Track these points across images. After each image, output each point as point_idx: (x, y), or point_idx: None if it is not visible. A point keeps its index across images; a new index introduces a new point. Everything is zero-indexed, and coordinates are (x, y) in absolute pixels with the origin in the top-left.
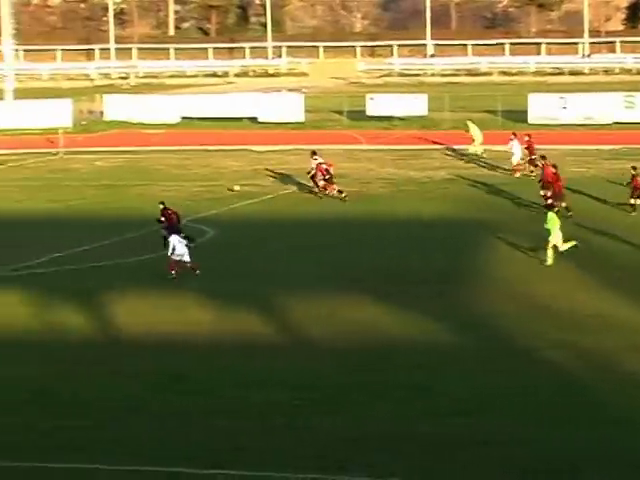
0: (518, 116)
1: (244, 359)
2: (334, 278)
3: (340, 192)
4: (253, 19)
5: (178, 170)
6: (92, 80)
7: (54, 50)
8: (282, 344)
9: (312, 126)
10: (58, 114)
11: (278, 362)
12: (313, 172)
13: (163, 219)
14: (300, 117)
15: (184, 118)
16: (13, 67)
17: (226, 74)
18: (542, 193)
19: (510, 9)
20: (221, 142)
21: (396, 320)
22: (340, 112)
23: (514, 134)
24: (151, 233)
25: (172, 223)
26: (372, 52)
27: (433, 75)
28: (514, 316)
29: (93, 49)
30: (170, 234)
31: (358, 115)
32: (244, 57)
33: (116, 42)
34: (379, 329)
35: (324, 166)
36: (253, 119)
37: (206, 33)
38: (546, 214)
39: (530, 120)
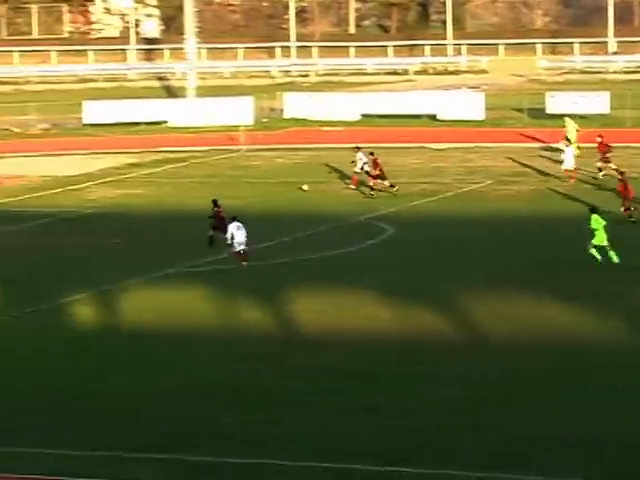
0: None
1: (422, 357)
2: (511, 276)
3: (392, 186)
4: (434, 16)
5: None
6: (273, 78)
7: (236, 48)
8: (460, 342)
9: (492, 124)
10: (239, 111)
11: (456, 360)
12: (366, 167)
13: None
14: (480, 115)
15: (364, 116)
16: (196, 65)
17: (406, 72)
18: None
19: None
20: (400, 140)
21: (580, 319)
22: (520, 110)
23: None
24: (330, 230)
25: (221, 222)
26: (553, 49)
27: (615, 73)
28: None
29: (274, 47)
30: (216, 231)
31: (538, 113)
32: (424, 55)
33: (297, 40)
34: (560, 327)
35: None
36: (432, 117)
37: (386, 31)
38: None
39: None
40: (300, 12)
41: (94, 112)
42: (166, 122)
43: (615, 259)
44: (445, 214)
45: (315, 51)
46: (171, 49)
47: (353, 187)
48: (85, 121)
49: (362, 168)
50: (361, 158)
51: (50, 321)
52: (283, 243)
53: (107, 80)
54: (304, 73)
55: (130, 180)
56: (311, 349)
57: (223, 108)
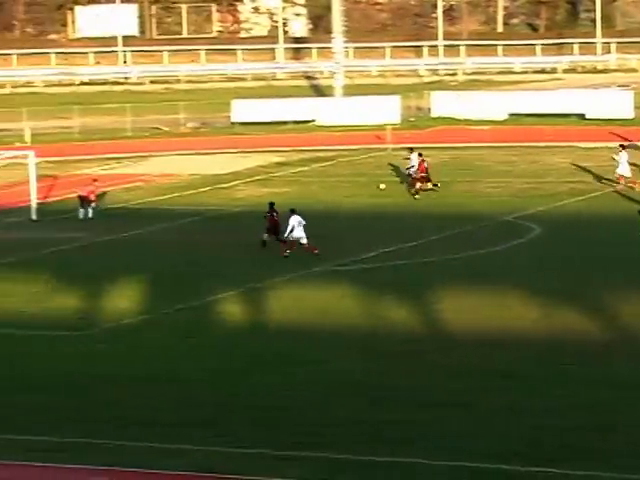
0: None
1: (569, 356)
2: None
3: (436, 185)
4: (583, 15)
5: (504, 167)
6: (421, 77)
7: (383, 47)
8: (608, 342)
9: None
10: (387, 110)
11: (605, 360)
12: (412, 170)
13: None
14: (629, 113)
15: (511, 115)
16: (343, 64)
17: (554, 70)
18: None
19: None
20: (548, 139)
21: None
22: None
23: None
24: (477, 229)
25: (273, 224)
26: None
27: None
28: None
29: (422, 46)
30: (270, 235)
31: None
32: (572, 53)
33: (444, 39)
34: None
35: (425, 164)
36: (581, 115)
37: (535, 29)
38: None
39: None
40: (448, 10)
41: (242, 111)
42: (313, 121)
43: None
44: (594, 214)
45: (463, 50)
46: (319, 48)
47: (414, 191)
48: (233, 120)
49: (408, 169)
50: (412, 159)
51: (199, 318)
52: (430, 242)
53: (255, 79)
54: (452, 72)
55: (277, 179)
56: (456, 348)
57: (370, 107)
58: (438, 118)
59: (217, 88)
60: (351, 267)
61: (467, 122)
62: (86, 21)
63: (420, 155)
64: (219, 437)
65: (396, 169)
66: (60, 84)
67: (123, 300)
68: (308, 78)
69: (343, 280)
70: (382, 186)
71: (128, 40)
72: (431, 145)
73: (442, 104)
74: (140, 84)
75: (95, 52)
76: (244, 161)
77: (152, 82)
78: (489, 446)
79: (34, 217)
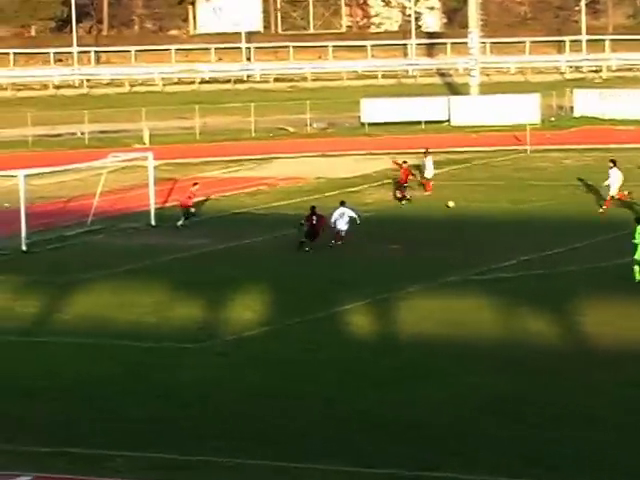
0: None
1: None
2: None
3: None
4: None
5: None
6: (562, 74)
7: (522, 42)
8: None
9: None
10: (525, 109)
11: None
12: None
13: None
14: None
15: None
16: (480, 60)
17: None
18: None
19: None
20: None
21: None
22: None
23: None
24: (622, 237)
25: (313, 228)
26: None
27: None
28: None
29: (564, 41)
30: (308, 238)
31: None
32: None
33: (588, 33)
34: None
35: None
36: None
37: None
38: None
39: None
40: (592, 3)
41: (372, 110)
42: (447, 121)
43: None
44: None
45: (607, 45)
46: (453, 43)
47: (427, 193)
48: (363, 120)
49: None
50: (426, 163)
51: (324, 330)
52: (573, 250)
53: (386, 77)
54: (596, 68)
55: (409, 183)
56: (598, 362)
57: (508, 106)
58: (581, 118)
59: (345, 86)
60: (488, 276)
61: (612, 122)
62: (208, 16)
63: (405, 162)
64: (345, 456)
65: (536, 172)
66: (180, 82)
67: (245, 310)
68: (442, 75)
69: (480, 290)
70: (451, 204)
71: (252, 36)
72: (573, 146)
73: (585, 103)
74: (264, 82)
75: (217, 48)
76: (373, 164)
77: (277, 80)
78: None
79: (153, 222)
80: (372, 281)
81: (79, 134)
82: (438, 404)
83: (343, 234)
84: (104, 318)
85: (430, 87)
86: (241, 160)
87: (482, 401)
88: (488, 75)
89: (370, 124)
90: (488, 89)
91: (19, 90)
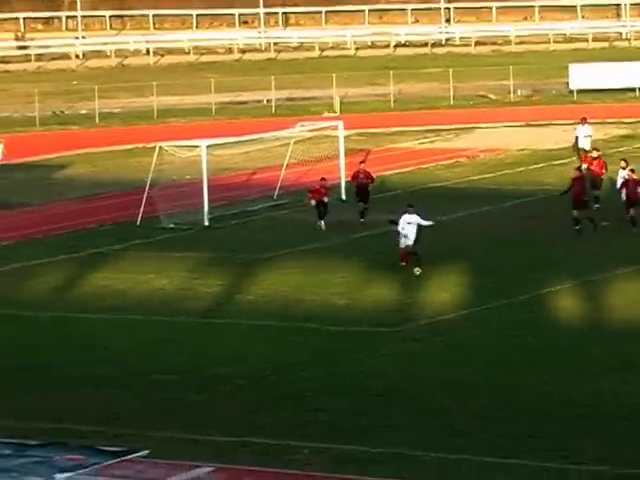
0: None
1: None
2: None
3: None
4: None
5: None
6: None
7: None
8: None
9: None
10: None
11: None
12: None
13: None
14: None
15: None
16: None
17: None
18: None
19: None
20: None
21: None
22: None
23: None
24: None
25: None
26: None
27: None
28: None
29: None
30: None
31: None
32: None
33: None
34: None
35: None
36: None
37: None
38: None
39: None
40: None
41: (581, 76)
42: None
43: None
44: None
45: None
46: None
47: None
48: (571, 87)
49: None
50: None
51: (527, 315)
52: None
53: (597, 40)
54: None
55: (621, 154)
56: None
57: None
58: None
59: (552, 50)
60: None
61: None
62: None
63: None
64: (548, 451)
65: None
66: (374, 46)
67: (441, 292)
68: None
69: None
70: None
71: None
72: None
73: None
74: (464, 46)
75: (413, 9)
76: None
77: (478, 43)
78: None
79: (344, 197)
80: (579, 262)
81: (265, 101)
82: None
83: (410, 249)
84: (290, 299)
85: None
86: (438, 130)
87: None
88: None
89: (579, 91)
90: None
91: (202, 54)
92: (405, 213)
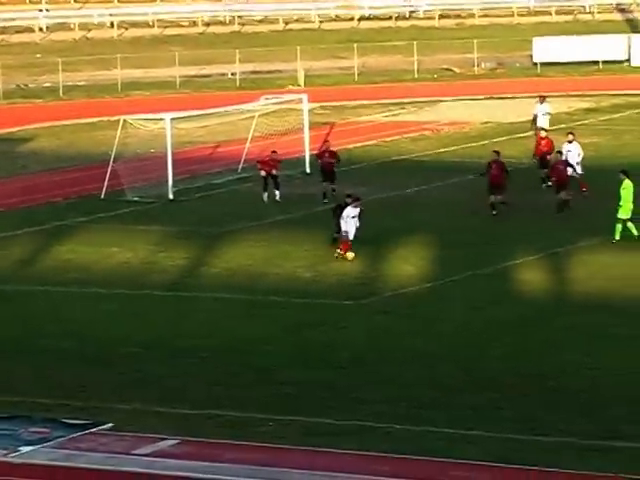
0: None
1: None
2: None
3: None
4: None
5: None
6: None
7: None
8: None
9: None
10: None
11: None
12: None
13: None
14: None
15: None
16: None
17: None
18: None
19: None
20: None
21: None
22: None
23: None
24: None
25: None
26: None
27: None
28: None
29: None
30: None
31: None
32: None
33: None
34: None
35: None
36: None
37: None
38: None
39: None
40: None
41: (545, 49)
42: (627, 61)
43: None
44: None
45: None
46: None
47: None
48: (535, 60)
49: None
50: None
51: (491, 288)
52: None
53: (560, 13)
54: None
55: (585, 127)
56: None
57: None
58: None
59: (516, 23)
60: None
61: None
62: None
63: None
64: (514, 423)
65: None
66: (338, 19)
67: (406, 265)
68: (622, 11)
69: None
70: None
71: None
72: None
73: None
74: (428, 19)
75: None
76: None
77: (442, 17)
78: None
79: (308, 170)
80: (542, 235)
81: (229, 75)
82: (608, 371)
83: (350, 241)
84: (256, 272)
85: (608, 24)
86: (402, 103)
87: None
88: None
89: (543, 64)
90: None
91: (166, 27)
92: (347, 206)
